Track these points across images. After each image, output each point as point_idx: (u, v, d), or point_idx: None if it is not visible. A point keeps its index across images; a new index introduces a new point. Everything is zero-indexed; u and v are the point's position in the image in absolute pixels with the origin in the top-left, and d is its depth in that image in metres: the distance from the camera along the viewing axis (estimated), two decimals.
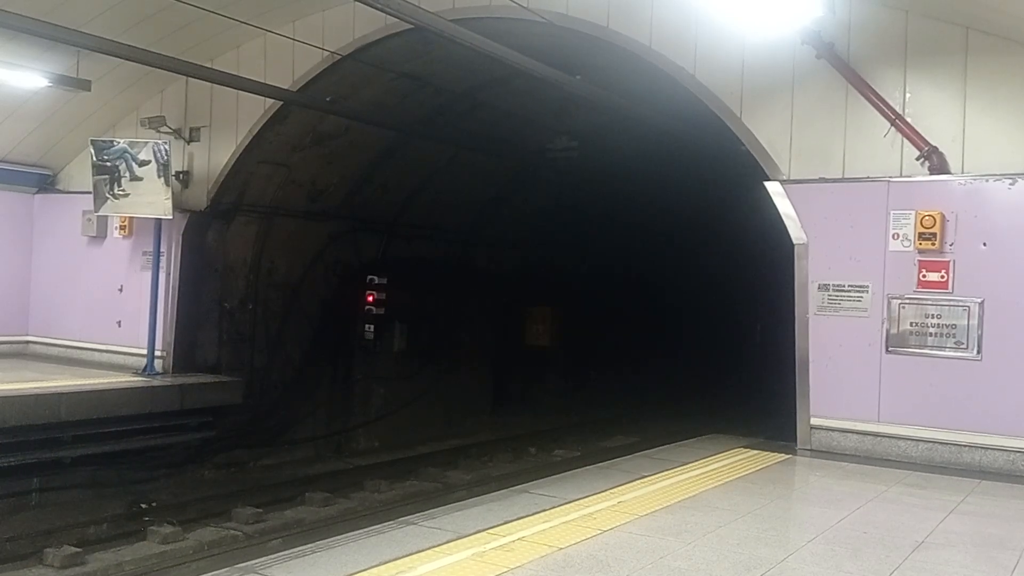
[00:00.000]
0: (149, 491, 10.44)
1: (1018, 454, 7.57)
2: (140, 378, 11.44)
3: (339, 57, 10.83)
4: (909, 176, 8.04)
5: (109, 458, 10.39)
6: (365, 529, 5.49)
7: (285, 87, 11.03)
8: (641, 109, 10.95)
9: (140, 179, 11.33)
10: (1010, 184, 7.64)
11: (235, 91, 10.97)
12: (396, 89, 11.98)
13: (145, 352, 11.80)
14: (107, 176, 11.48)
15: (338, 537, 5.28)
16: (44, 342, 13.14)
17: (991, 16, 7.69)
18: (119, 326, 12.40)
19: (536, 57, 9.03)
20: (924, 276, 7.92)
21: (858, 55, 8.26)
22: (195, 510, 10.01)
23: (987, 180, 7.74)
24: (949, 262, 7.83)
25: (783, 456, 8.18)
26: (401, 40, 10.42)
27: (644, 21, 9.09)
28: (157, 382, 11.37)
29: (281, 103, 11.32)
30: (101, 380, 10.97)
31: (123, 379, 11.23)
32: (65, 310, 13.00)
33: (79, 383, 10.58)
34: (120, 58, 9.30)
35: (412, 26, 8.50)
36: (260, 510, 10.12)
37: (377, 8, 7.57)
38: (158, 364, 11.84)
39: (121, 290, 12.48)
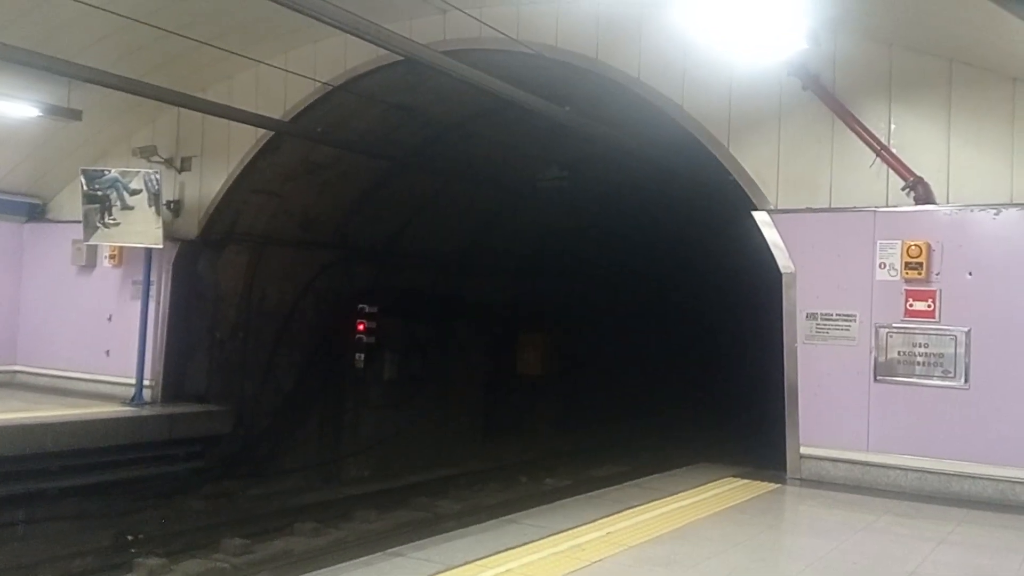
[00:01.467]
0: (136, 522, 10.34)
1: (1007, 483, 7.58)
2: (128, 408, 11.37)
3: (331, 88, 10.91)
4: (895, 206, 8.11)
5: (96, 489, 10.30)
6: (353, 561, 5.46)
7: (277, 117, 11.10)
8: (631, 139, 11.04)
9: (131, 208, 11.35)
10: (995, 214, 7.71)
11: (227, 121, 11.02)
12: (388, 119, 12.05)
13: (134, 382, 11.75)
14: (98, 205, 11.51)
15: (325, 569, 5.25)
16: (32, 372, 13.07)
17: (974, 49, 7.80)
18: (108, 355, 12.35)
19: (526, 88, 9.12)
20: (911, 305, 7.96)
21: (843, 87, 8.37)
22: (182, 541, 9.93)
23: (972, 210, 7.82)
24: (936, 291, 7.88)
25: (773, 485, 8.17)
26: (393, 71, 10.51)
27: (633, 53, 9.20)
28: (145, 412, 11.31)
29: (273, 133, 11.39)
30: (89, 410, 10.90)
31: (111, 409, 11.17)
32: (54, 339, 12.95)
33: (66, 413, 10.51)
34: (112, 88, 9.35)
35: (403, 58, 8.57)
36: (248, 541, 10.03)
37: (368, 40, 7.64)
38: (147, 394, 11.79)
39: (110, 319, 12.45)
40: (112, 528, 10.03)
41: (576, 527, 6.24)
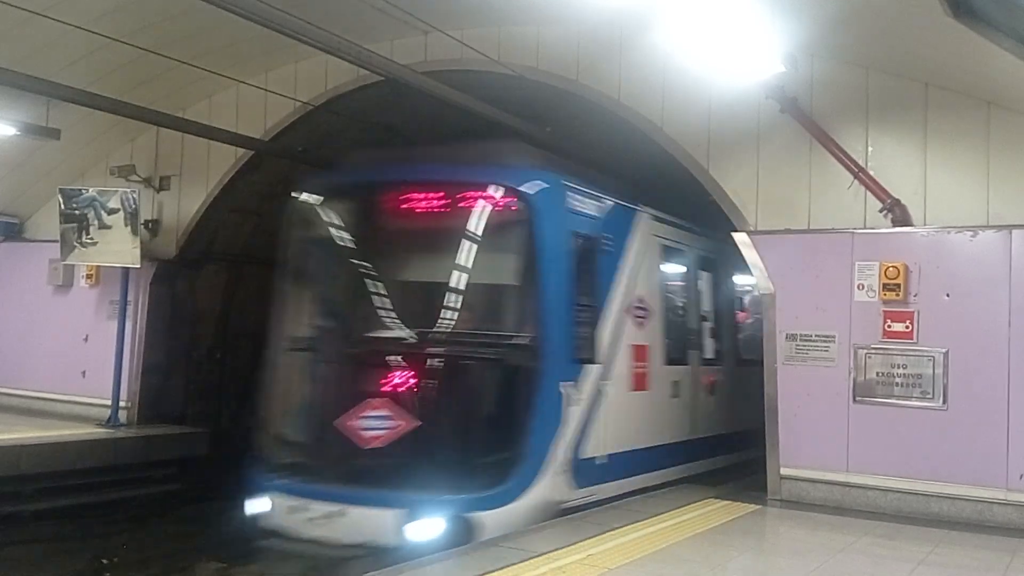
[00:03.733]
0: (111, 546, 10.17)
1: (985, 504, 7.60)
2: (104, 429, 11.24)
3: (312, 107, 10.89)
4: (873, 228, 8.18)
5: (71, 512, 10.14)
6: None
7: (257, 137, 11.07)
8: (612, 159, 11.06)
9: (108, 227, 11.25)
10: (971, 236, 7.78)
11: (206, 140, 10.98)
12: (369, 139, 12.04)
13: (110, 403, 11.61)
14: (75, 224, 11.40)
15: None
16: (6, 393, 12.87)
17: (949, 72, 7.90)
18: (84, 376, 12.19)
19: (507, 108, 9.14)
20: (889, 326, 8.01)
21: (821, 110, 8.44)
22: (158, 566, 9.76)
23: (949, 232, 7.89)
24: (913, 312, 7.93)
25: (753, 507, 8.15)
26: (374, 91, 10.50)
27: (613, 75, 9.25)
28: (121, 433, 11.17)
29: (253, 152, 11.35)
30: (64, 432, 10.75)
31: (86, 431, 11.02)
32: (29, 360, 12.77)
33: (41, 435, 10.37)
34: (90, 108, 9.29)
35: (384, 78, 8.58)
36: (225, 565, 9.89)
37: (349, 60, 7.65)
38: (123, 415, 11.64)
39: (86, 340, 12.30)
40: (87, 552, 9.86)
41: (556, 550, 6.19)
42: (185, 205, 11.95)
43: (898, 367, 7.95)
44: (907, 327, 7.93)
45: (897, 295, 7.92)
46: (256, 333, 13.05)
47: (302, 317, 8.41)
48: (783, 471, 8.41)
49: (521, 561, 5.85)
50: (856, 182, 8.23)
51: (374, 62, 7.76)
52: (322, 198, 8.38)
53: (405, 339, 7.81)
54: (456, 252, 7.65)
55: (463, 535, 6.75)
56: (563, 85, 9.55)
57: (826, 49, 8.34)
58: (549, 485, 7.36)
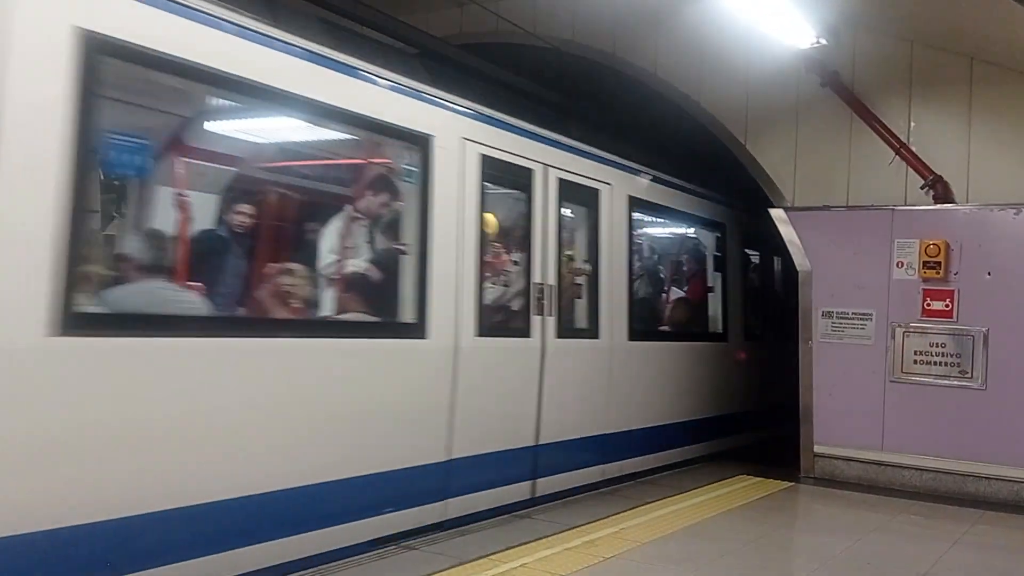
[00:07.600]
0: None
1: (1022, 484, 7.52)
2: None
3: None
4: (914, 204, 8.06)
5: None
6: (366, 553, 5.46)
7: None
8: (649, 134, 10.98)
9: None
10: (1015, 213, 7.64)
11: None
12: None
13: None
14: None
15: (335, 563, 5.24)
16: None
17: (995, 46, 7.73)
18: None
19: (543, 81, 9.06)
20: (928, 304, 7.91)
21: (862, 84, 8.31)
22: None
23: (992, 209, 7.75)
24: (954, 291, 7.82)
25: (786, 484, 8.13)
26: None
27: (649, 48, 9.16)
28: None
29: None
30: None
31: None
32: None
33: None
34: None
35: (419, 51, 8.54)
36: None
37: (384, 33, 7.61)
38: None
39: None
40: None
41: (589, 523, 6.23)
42: None
43: (937, 346, 7.86)
44: (947, 305, 7.83)
45: (937, 273, 7.82)
46: None
47: None
48: (817, 448, 8.37)
49: (555, 533, 5.89)
50: (897, 158, 8.11)
51: (408, 35, 7.71)
52: None
53: None
54: None
55: None
56: (599, 58, 9.47)
57: (869, 22, 8.20)
58: None
